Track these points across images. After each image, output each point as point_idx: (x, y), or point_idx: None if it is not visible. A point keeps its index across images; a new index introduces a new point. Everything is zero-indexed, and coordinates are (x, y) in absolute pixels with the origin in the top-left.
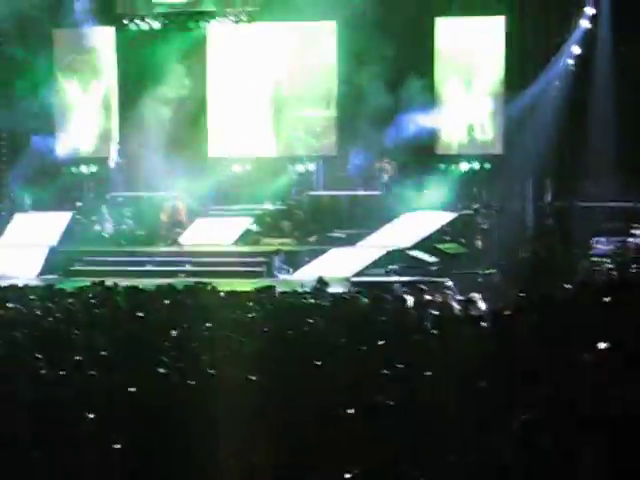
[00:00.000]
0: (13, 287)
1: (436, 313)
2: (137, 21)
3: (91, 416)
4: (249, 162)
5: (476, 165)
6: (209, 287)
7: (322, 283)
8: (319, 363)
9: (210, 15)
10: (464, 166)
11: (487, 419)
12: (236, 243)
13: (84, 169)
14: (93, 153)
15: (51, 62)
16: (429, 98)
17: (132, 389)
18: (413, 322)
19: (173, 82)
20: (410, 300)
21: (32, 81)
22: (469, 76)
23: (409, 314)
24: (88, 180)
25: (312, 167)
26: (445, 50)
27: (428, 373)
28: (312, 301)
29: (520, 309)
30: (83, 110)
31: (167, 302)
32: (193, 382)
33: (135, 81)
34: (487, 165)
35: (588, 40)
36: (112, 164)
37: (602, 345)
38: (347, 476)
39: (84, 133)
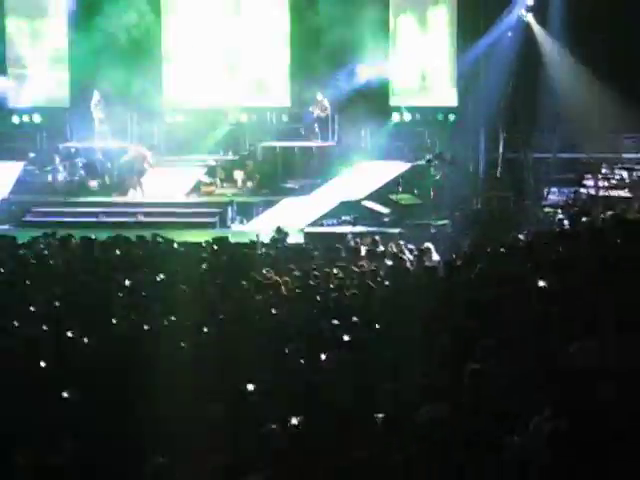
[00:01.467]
0: None
1: (390, 263)
2: None
3: (42, 365)
4: (203, 113)
5: (429, 116)
6: (162, 238)
7: (281, 233)
8: (274, 312)
9: None
10: (417, 116)
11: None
12: (189, 194)
13: (36, 118)
14: (46, 102)
15: (2, 8)
16: (383, 48)
17: (84, 339)
18: (368, 272)
19: (126, 31)
20: (363, 250)
21: None
22: (423, 24)
23: (363, 264)
24: (41, 130)
25: (266, 117)
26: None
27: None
28: (265, 251)
29: (472, 259)
30: (33, 58)
31: (119, 253)
32: (146, 329)
33: (87, 29)
34: (440, 116)
35: None
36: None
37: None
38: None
39: (35, 82)
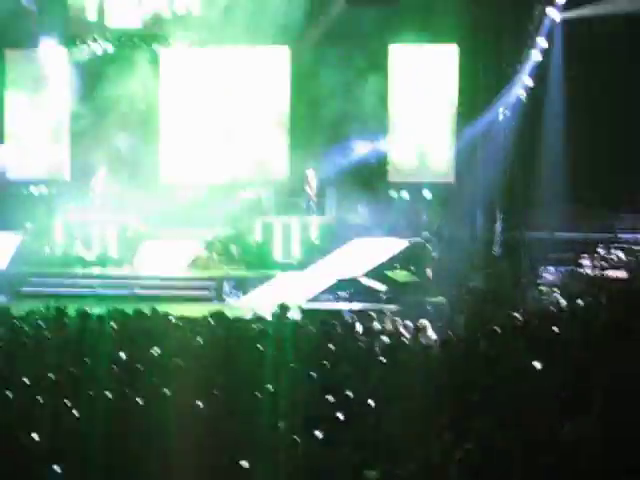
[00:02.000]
0: None
1: (386, 340)
2: (90, 43)
3: (36, 438)
4: (201, 188)
5: (427, 193)
6: (158, 311)
7: (283, 309)
8: (270, 388)
9: (163, 39)
10: (415, 194)
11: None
12: (186, 267)
13: (34, 190)
14: (44, 174)
15: (3, 81)
16: (381, 124)
17: (77, 413)
18: (363, 349)
19: (126, 105)
20: (360, 327)
21: None
22: (421, 103)
23: (359, 341)
24: (38, 201)
25: (264, 193)
26: (398, 76)
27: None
28: (261, 327)
29: (468, 337)
30: (34, 131)
31: (116, 325)
32: (141, 403)
33: (88, 103)
34: (438, 193)
35: (540, 72)
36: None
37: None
38: None
39: (35, 154)
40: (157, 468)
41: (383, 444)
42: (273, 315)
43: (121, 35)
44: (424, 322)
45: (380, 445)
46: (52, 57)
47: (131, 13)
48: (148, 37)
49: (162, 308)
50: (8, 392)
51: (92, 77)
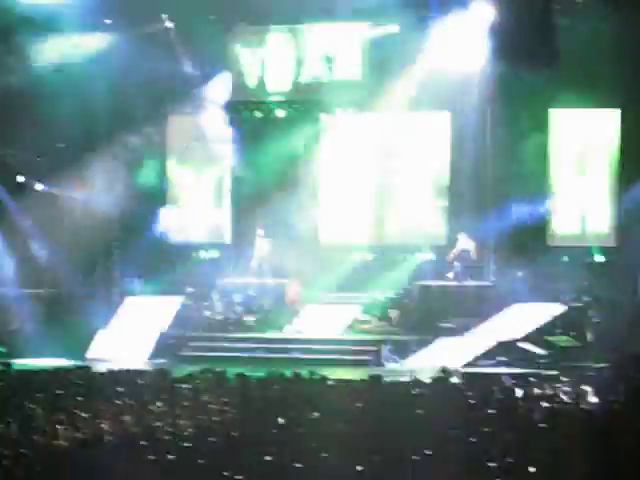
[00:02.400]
0: (123, 372)
1: (546, 406)
2: (251, 108)
3: None
4: (359, 251)
5: (587, 256)
6: (317, 375)
7: (445, 373)
8: (429, 453)
9: (323, 103)
10: (574, 257)
11: None
12: (344, 331)
13: (196, 253)
14: (205, 238)
15: (166, 146)
16: (542, 186)
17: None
18: (522, 415)
19: (286, 168)
20: (519, 392)
21: (148, 167)
22: (583, 167)
23: (518, 406)
24: (199, 265)
25: (423, 257)
26: (559, 141)
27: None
28: (419, 391)
29: (629, 404)
30: (196, 195)
31: (275, 389)
32: (298, 466)
33: (249, 166)
34: (600, 257)
35: None
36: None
37: None
38: None
39: (196, 218)
40: None
41: None
42: (433, 379)
43: (281, 100)
44: (585, 388)
45: None
46: (214, 122)
47: (291, 78)
48: (308, 102)
49: (321, 372)
50: (170, 456)
51: (253, 141)
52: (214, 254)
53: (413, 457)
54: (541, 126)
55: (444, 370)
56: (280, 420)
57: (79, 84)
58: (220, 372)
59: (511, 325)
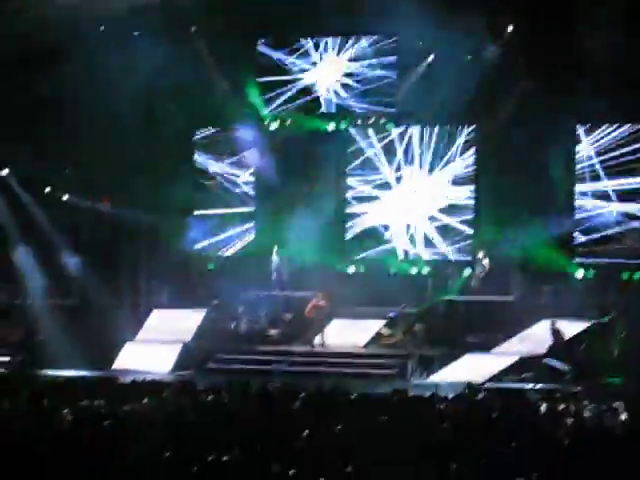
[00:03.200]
0: (147, 383)
1: (570, 422)
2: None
3: None
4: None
5: (613, 273)
6: (341, 389)
7: (472, 389)
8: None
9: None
10: (600, 272)
11: None
12: (369, 345)
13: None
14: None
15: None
16: (567, 203)
17: None
18: (546, 430)
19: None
20: (543, 408)
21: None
22: (611, 182)
23: (542, 422)
24: (223, 277)
25: (448, 272)
26: (587, 155)
27: None
28: (444, 406)
29: None
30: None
31: (298, 403)
32: None
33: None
34: (625, 274)
35: None
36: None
37: None
38: None
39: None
40: None
41: None
42: (460, 395)
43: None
44: (617, 404)
45: None
46: (247, 137)
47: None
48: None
49: (346, 386)
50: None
51: (281, 154)
52: (239, 266)
53: (440, 471)
54: (569, 141)
55: (470, 386)
56: (303, 434)
57: (109, 97)
58: (244, 384)
59: (537, 340)
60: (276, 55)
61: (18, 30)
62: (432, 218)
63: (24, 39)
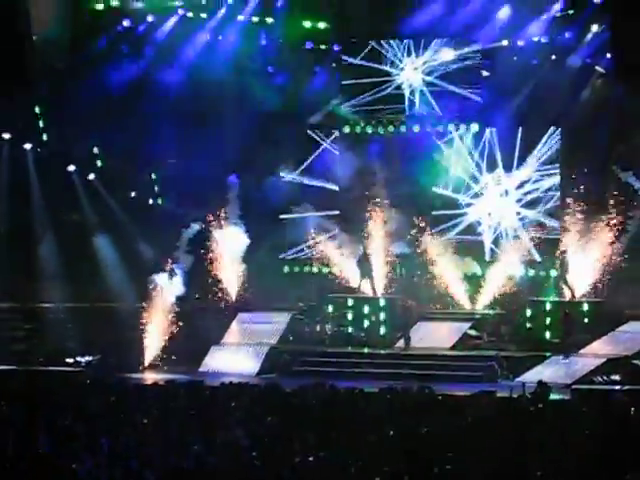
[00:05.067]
0: (233, 385)
1: None
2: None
3: None
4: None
5: None
6: (427, 390)
7: (543, 387)
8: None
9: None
10: None
11: None
12: (454, 347)
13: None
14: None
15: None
16: None
17: None
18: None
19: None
20: (633, 409)
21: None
22: None
23: (632, 423)
24: (311, 280)
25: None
26: None
27: None
28: (531, 408)
29: None
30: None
31: (384, 403)
32: None
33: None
34: None
35: None
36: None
37: None
38: None
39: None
40: None
41: None
42: (532, 394)
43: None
44: None
45: None
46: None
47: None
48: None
49: (432, 387)
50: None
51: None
52: (326, 269)
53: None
54: None
55: (541, 383)
56: (390, 432)
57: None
58: (331, 386)
59: (624, 342)
60: (357, 60)
61: None
62: (521, 219)
63: None
